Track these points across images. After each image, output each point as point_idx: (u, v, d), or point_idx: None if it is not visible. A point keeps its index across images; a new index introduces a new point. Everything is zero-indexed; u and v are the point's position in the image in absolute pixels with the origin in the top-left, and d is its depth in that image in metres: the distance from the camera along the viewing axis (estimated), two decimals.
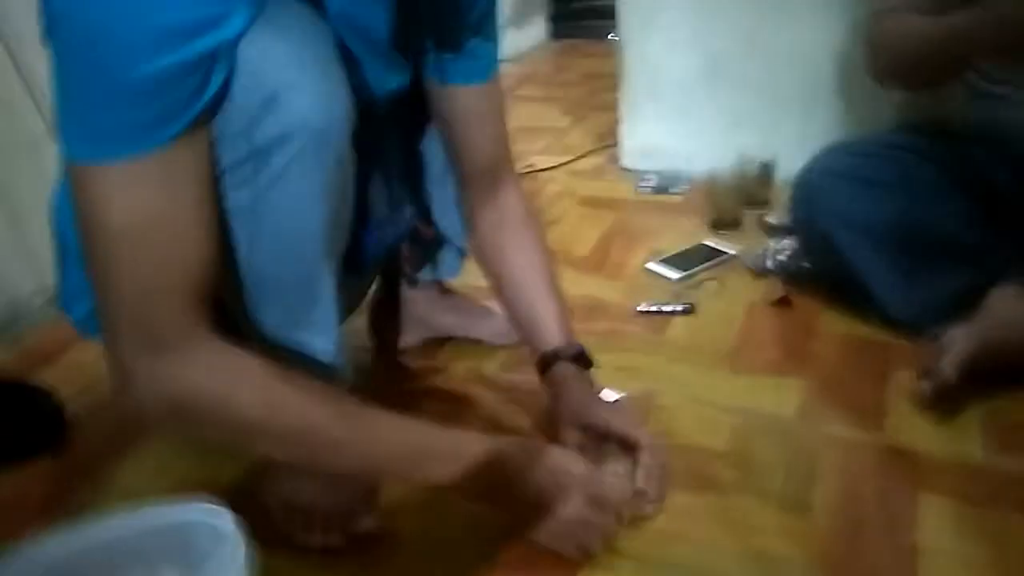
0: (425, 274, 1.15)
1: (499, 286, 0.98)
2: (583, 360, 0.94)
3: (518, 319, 0.97)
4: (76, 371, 1.21)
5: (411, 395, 1.12)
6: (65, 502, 0.96)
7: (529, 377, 1.12)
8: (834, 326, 1.20)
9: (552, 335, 0.94)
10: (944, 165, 1.16)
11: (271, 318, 0.75)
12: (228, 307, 0.73)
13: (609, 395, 1.08)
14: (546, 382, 0.94)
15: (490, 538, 0.84)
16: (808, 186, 1.25)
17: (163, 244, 0.61)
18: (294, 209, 0.69)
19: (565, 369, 0.92)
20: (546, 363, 0.93)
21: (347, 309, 0.99)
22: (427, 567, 0.83)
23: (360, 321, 1.19)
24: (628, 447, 0.87)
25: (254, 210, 0.67)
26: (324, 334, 0.78)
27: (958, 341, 0.98)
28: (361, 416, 0.71)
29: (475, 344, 1.21)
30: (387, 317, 1.18)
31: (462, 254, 1.14)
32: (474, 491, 0.77)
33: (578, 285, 1.36)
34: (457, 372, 1.17)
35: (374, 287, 1.15)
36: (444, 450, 0.75)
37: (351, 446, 0.71)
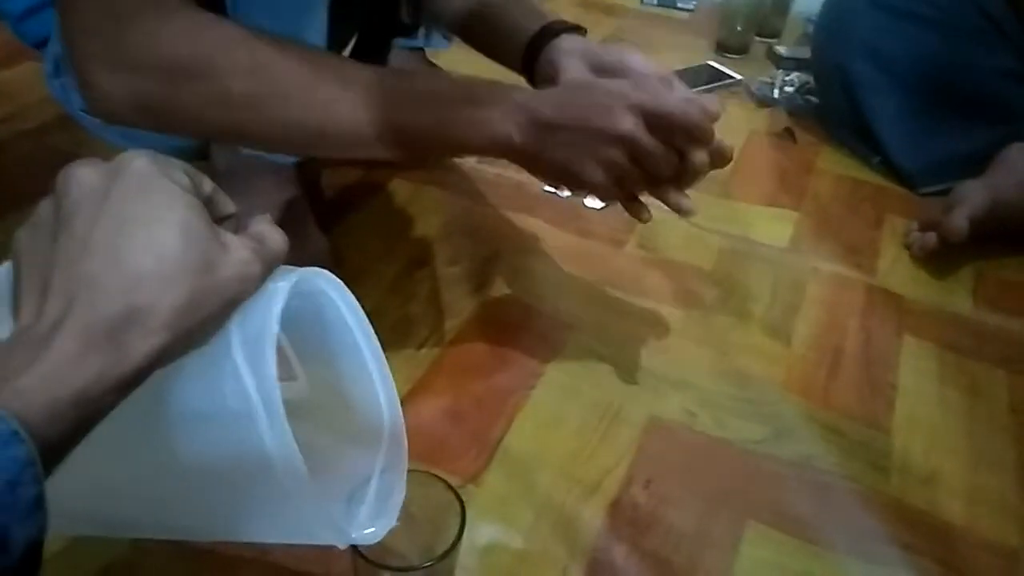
0: (413, 41, 1.02)
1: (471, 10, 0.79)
2: (582, 31, 0.72)
3: (494, 28, 0.76)
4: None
5: (370, 169, 1.02)
6: None
7: (502, 171, 1.03)
8: (834, 165, 1.14)
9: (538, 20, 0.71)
10: (992, 8, 1.05)
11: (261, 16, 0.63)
12: None
13: (593, 203, 1.01)
14: (541, 67, 0.69)
15: (452, 319, 0.80)
16: (835, 7, 1.15)
17: None
18: None
19: (571, 40, 0.68)
20: (540, 41, 0.69)
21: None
22: (383, 337, 0.77)
23: None
24: None
25: None
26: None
27: (972, 196, 0.93)
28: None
29: None
30: None
31: None
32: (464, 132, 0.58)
33: None
34: None
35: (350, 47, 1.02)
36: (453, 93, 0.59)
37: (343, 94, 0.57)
